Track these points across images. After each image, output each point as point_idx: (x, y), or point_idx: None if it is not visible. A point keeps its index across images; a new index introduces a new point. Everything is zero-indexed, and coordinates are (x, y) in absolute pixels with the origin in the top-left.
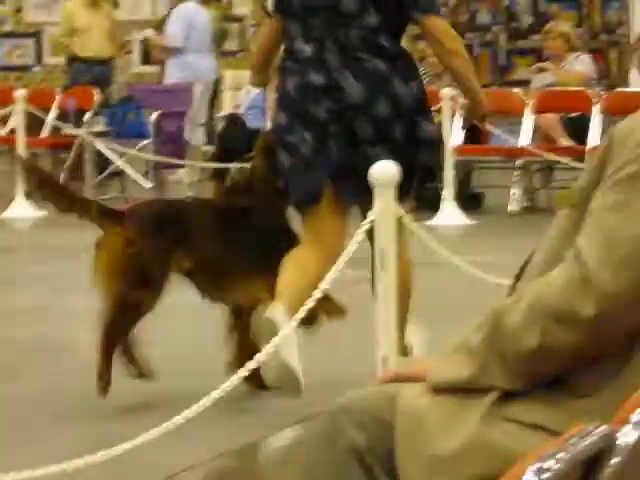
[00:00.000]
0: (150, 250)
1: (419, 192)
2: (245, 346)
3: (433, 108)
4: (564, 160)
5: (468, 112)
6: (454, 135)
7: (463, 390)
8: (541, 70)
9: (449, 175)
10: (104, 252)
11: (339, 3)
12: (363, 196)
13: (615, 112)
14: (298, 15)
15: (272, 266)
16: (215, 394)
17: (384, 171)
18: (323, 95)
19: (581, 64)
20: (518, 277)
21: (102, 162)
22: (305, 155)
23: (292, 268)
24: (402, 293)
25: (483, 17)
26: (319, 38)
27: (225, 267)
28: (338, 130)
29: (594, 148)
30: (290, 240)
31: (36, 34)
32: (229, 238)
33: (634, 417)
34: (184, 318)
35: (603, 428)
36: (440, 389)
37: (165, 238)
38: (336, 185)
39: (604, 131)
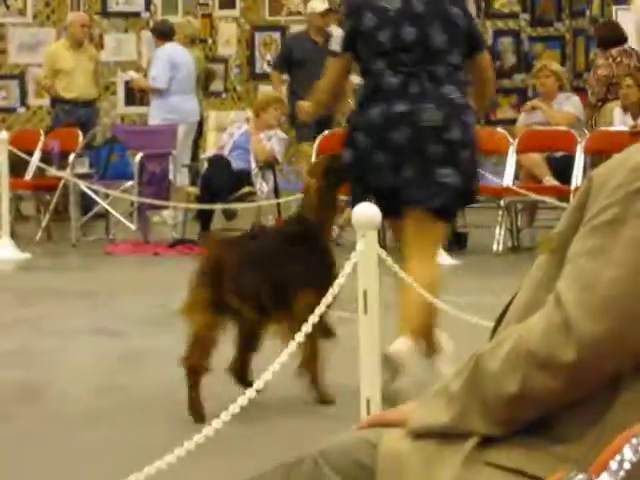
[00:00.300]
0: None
1: None
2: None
3: None
4: (549, 200)
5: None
6: None
7: (444, 435)
8: (534, 108)
9: None
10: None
11: (431, 41)
12: (433, 209)
13: (598, 152)
14: (387, 52)
15: (319, 281)
16: (206, 431)
17: (366, 213)
18: (404, 121)
19: (571, 105)
20: (499, 321)
21: (86, 204)
22: (386, 177)
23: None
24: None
25: None
26: (408, 71)
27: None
28: (413, 153)
29: (578, 188)
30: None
31: (20, 75)
32: (291, 264)
33: (612, 464)
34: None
35: (581, 477)
36: (421, 434)
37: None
38: (408, 198)
39: (588, 170)
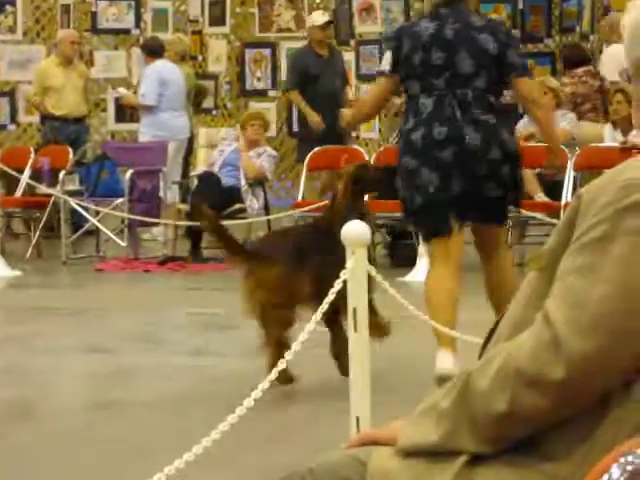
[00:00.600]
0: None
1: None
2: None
3: None
4: (540, 216)
5: (548, 162)
6: None
7: (433, 453)
8: (526, 140)
9: None
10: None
11: (457, 66)
12: (480, 220)
13: (588, 168)
14: (419, 76)
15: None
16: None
17: (356, 231)
18: (447, 143)
19: (567, 122)
20: (488, 338)
21: (77, 221)
22: (433, 193)
23: (436, 295)
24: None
25: None
26: (440, 94)
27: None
28: (460, 170)
29: (568, 204)
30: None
31: (10, 93)
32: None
33: None
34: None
35: None
36: (410, 452)
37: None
38: (458, 214)
39: (578, 187)
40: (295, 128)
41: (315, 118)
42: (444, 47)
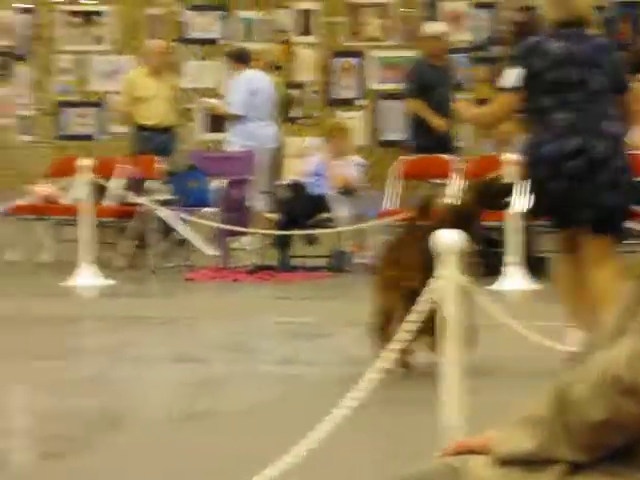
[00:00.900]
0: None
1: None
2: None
3: (496, 172)
4: (635, 226)
5: None
6: (520, 200)
7: (529, 462)
8: None
9: (514, 239)
10: None
11: (590, 83)
12: (604, 226)
13: None
14: (552, 91)
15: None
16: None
17: (448, 239)
18: (578, 154)
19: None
20: (585, 348)
21: (166, 230)
22: (561, 199)
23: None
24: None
25: None
26: (573, 109)
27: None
28: (585, 180)
29: None
30: None
31: (100, 103)
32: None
33: None
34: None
35: None
36: (506, 461)
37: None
38: (580, 221)
39: None
40: (387, 137)
41: (438, 120)
42: (577, 65)
